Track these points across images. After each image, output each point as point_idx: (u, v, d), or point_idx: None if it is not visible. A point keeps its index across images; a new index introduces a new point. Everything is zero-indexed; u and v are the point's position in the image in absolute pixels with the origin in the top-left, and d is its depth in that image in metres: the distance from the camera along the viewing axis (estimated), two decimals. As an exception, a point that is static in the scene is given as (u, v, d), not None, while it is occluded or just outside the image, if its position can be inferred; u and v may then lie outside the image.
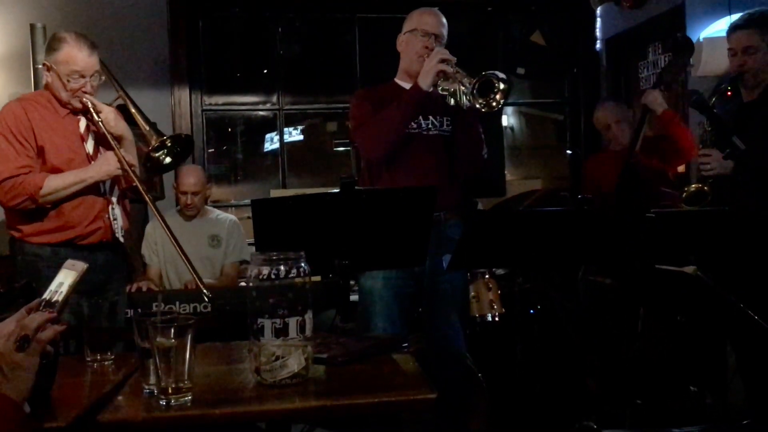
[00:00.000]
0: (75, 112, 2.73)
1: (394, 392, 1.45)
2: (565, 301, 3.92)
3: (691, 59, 3.49)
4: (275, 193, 4.77)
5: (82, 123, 2.75)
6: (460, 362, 2.84)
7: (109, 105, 2.77)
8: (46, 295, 1.42)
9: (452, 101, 2.66)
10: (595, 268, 3.59)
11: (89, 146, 2.73)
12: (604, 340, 3.53)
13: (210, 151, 4.97)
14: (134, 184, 2.70)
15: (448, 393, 2.71)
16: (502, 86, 2.49)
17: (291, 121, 5.11)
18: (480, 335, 3.51)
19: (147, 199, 2.66)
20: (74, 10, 4.37)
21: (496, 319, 3.62)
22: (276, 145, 5.05)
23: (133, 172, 2.67)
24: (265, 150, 5.20)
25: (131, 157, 2.76)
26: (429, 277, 2.71)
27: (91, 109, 2.68)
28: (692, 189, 2.88)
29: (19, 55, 4.18)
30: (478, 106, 2.51)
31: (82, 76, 2.66)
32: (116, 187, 2.78)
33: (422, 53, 2.72)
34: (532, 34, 5.25)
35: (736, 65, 2.85)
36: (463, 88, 2.57)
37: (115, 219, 2.74)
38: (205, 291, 2.55)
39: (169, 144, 2.84)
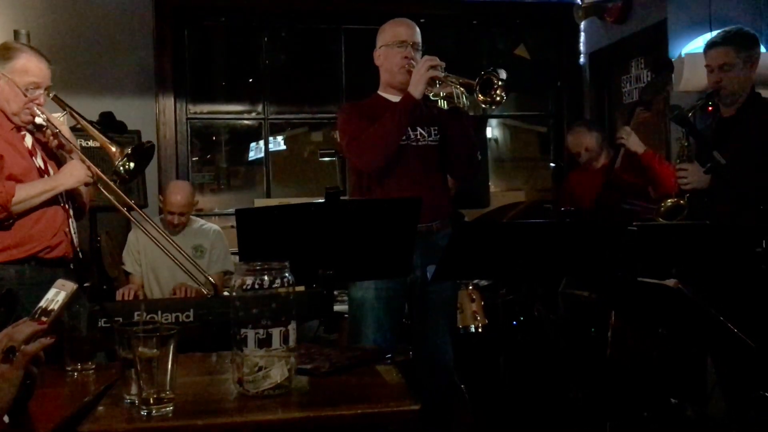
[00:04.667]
0: (18, 128, 2.57)
1: (378, 404, 1.45)
2: (548, 313, 3.93)
3: (672, 76, 3.53)
4: (259, 202, 4.76)
5: (28, 139, 2.59)
6: (449, 372, 2.84)
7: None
8: (42, 303, 1.40)
9: (445, 104, 2.68)
10: (575, 281, 3.61)
11: (39, 161, 2.59)
12: (585, 353, 3.55)
13: (194, 159, 4.95)
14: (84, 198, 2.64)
15: (436, 403, 2.71)
16: (501, 83, 2.54)
17: (276, 130, 5.11)
18: (463, 346, 3.51)
19: (123, 207, 2.52)
20: (59, 17, 4.35)
21: (480, 330, 3.63)
22: (261, 155, 5.04)
23: (105, 178, 2.53)
24: (250, 159, 5.19)
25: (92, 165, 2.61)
26: (420, 287, 2.71)
27: (47, 121, 2.54)
28: (669, 203, 2.90)
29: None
30: (481, 104, 2.56)
31: (38, 88, 2.52)
32: (69, 201, 2.64)
33: (402, 64, 2.72)
34: (517, 47, 5.30)
35: (712, 82, 2.89)
36: (461, 89, 2.60)
37: (75, 233, 2.62)
38: (208, 283, 2.53)
39: (130, 152, 2.68)
